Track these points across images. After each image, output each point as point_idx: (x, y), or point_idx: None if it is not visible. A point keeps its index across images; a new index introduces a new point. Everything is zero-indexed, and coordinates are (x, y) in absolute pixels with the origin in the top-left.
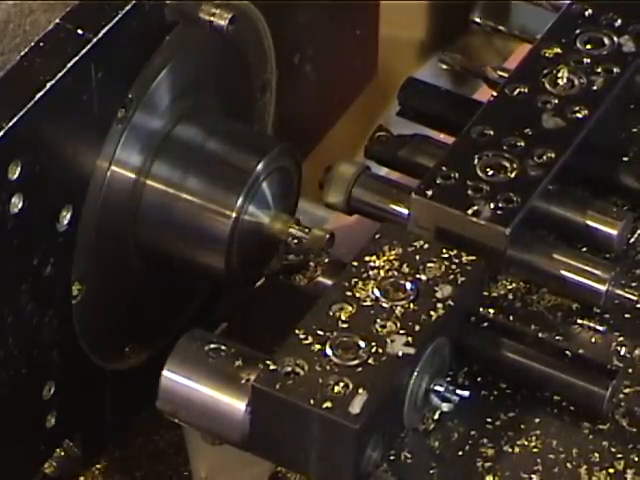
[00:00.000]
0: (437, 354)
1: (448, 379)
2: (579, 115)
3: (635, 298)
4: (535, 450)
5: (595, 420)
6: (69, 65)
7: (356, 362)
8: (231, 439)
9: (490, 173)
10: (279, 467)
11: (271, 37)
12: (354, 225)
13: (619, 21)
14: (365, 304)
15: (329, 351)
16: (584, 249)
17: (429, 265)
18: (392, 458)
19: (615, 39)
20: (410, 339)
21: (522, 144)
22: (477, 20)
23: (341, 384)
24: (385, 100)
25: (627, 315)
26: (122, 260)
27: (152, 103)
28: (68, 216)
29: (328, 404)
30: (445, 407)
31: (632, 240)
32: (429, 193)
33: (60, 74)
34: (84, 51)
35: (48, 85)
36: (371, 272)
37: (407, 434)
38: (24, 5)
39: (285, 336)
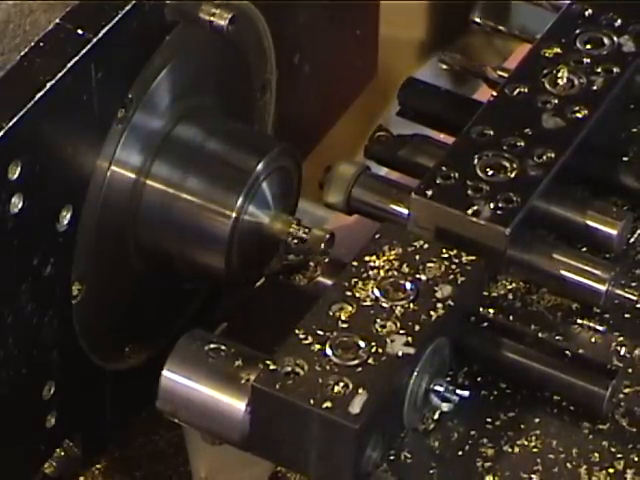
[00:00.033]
0: (437, 354)
1: (448, 379)
2: (579, 115)
3: (635, 298)
4: (535, 450)
5: (595, 420)
6: (69, 65)
7: (356, 362)
8: (231, 439)
9: (490, 173)
10: (279, 467)
11: (271, 37)
12: (354, 225)
13: (619, 21)
14: (365, 304)
15: (329, 351)
16: (584, 249)
17: (429, 265)
18: (392, 458)
19: (615, 39)
20: (410, 339)
21: (522, 144)
22: (477, 20)
23: (341, 384)
24: (385, 100)
25: (627, 315)
26: (122, 260)
27: (152, 103)
28: (68, 216)
29: (328, 404)
30: (445, 407)
31: (632, 240)
32: (429, 193)
33: (60, 74)
34: (84, 51)
35: (48, 85)
36: (371, 272)
37: (407, 434)
38: (24, 5)
39: (285, 336)
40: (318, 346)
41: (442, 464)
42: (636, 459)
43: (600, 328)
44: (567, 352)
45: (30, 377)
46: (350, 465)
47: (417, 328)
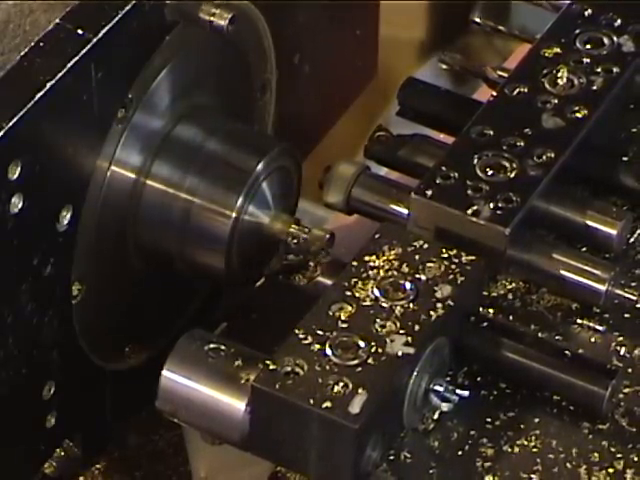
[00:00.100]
0: (437, 354)
1: (448, 379)
2: (579, 115)
3: (635, 298)
4: (535, 450)
5: (595, 420)
6: (69, 65)
7: (356, 362)
8: (231, 439)
9: (490, 173)
10: (279, 467)
11: (271, 37)
12: (354, 225)
13: (619, 21)
14: (365, 304)
15: (329, 351)
16: (584, 249)
17: (429, 265)
18: (392, 458)
19: (615, 39)
20: (410, 339)
21: (522, 144)
22: (477, 20)
23: (341, 384)
24: (385, 100)
25: (627, 315)
26: (122, 260)
27: (152, 103)
28: (68, 216)
29: (328, 404)
30: (445, 407)
31: (632, 240)
32: (429, 193)
33: (60, 74)
34: (84, 51)
35: (48, 85)
36: (371, 272)
37: (407, 434)
38: (24, 5)
39: (285, 336)
40: (318, 346)
41: (442, 464)
42: (636, 459)
43: (600, 328)
44: (567, 352)
45: (30, 377)
46: (350, 465)
47: (417, 328)
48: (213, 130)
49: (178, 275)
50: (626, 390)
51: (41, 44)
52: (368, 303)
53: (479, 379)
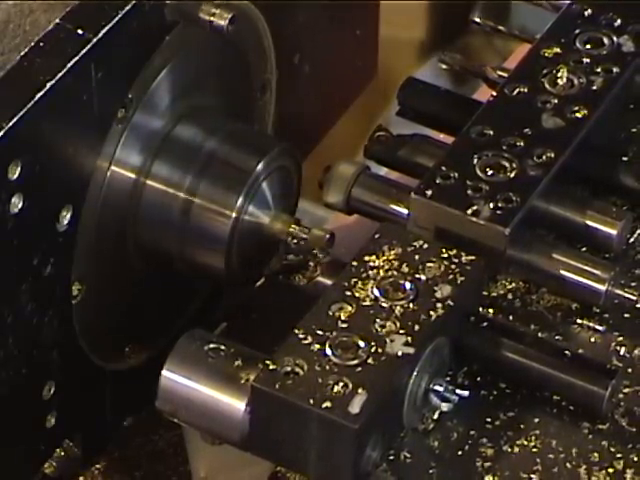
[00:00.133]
0: (437, 354)
1: (447, 379)
2: (579, 115)
3: (634, 298)
4: (534, 450)
5: (594, 420)
6: (69, 65)
7: (355, 362)
8: (231, 439)
9: (489, 173)
10: (278, 467)
11: (271, 37)
12: (354, 225)
13: (618, 21)
14: (365, 304)
15: (328, 351)
16: (584, 249)
17: (428, 265)
18: (391, 458)
19: (614, 39)
20: (409, 339)
21: (521, 144)
22: (477, 20)
23: (340, 384)
24: (385, 100)
25: (627, 315)
26: (122, 260)
27: (152, 103)
28: (68, 216)
29: (327, 404)
30: (444, 407)
31: (632, 240)
32: (429, 193)
33: (60, 74)
34: (84, 51)
35: (48, 85)
36: (370, 272)
37: (406, 434)
38: (24, 5)
39: (285, 336)
40: (318, 346)
41: (442, 464)
42: (635, 459)
43: (600, 328)
44: (567, 352)
45: (30, 377)
46: (350, 465)
47: (417, 328)
48: (213, 130)
49: (178, 275)
50: (626, 390)
51: (41, 44)
52: (368, 303)
53: (479, 379)
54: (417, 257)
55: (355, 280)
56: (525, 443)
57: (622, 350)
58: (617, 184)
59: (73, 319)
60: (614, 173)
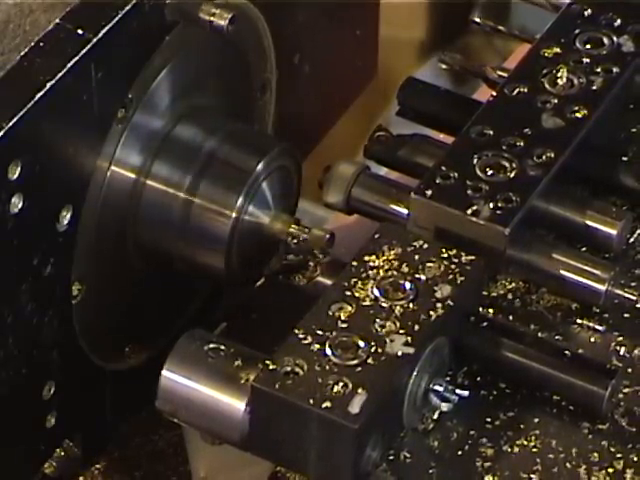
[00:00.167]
0: (436, 354)
1: (447, 379)
2: (578, 115)
3: (634, 298)
4: (534, 450)
5: (594, 420)
6: (69, 65)
7: (355, 362)
8: (230, 439)
9: (489, 173)
10: (278, 467)
11: (271, 37)
12: (354, 225)
13: (618, 21)
14: (364, 304)
15: (328, 351)
16: (584, 249)
17: (428, 265)
18: (391, 458)
19: (614, 39)
20: (409, 339)
21: (521, 144)
22: (477, 20)
23: (340, 384)
24: (385, 100)
25: (626, 315)
26: (122, 260)
27: (152, 103)
28: (68, 216)
29: (327, 404)
30: (444, 407)
31: (631, 240)
32: (428, 193)
33: (60, 74)
34: (84, 51)
35: (48, 85)
36: (370, 272)
37: (406, 434)
38: (24, 5)
39: (285, 336)
40: (318, 346)
41: (441, 464)
42: (635, 459)
43: (599, 328)
44: (566, 352)
45: (30, 377)
46: (350, 465)
47: (416, 328)
48: (213, 130)
49: (178, 275)
50: (626, 390)
51: (41, 44)
52: (368, 303)
53: (479, 379)
54: (417, 257)
55: (355, 280)
56: (525, 443)
57: (622, 350)
58: (617, 184)
59: (73, 319)
60: (614, 173)
